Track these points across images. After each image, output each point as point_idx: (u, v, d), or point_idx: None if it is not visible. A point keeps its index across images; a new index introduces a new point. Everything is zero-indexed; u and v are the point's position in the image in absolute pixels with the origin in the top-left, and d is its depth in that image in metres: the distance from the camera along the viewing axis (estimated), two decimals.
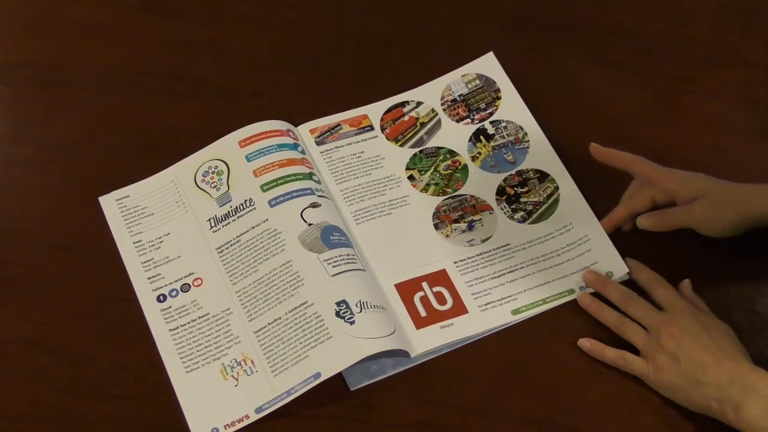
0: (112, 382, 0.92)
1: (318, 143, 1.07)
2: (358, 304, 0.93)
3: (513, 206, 1.04)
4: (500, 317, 0.96)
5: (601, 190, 1.04)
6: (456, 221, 1.03)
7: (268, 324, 0.94)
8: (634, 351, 0.92)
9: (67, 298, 0.97)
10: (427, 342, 0.94)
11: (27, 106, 1.12)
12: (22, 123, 1.11)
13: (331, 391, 0.91)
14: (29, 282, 0.98)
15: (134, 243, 1.01)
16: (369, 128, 1.09)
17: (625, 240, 1.01)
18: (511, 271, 0.99)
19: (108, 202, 1.03)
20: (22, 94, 1.13)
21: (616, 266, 0.99)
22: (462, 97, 1.11)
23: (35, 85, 1.14)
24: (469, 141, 1.09)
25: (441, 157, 1.08)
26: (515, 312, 0.97)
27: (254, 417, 0.90)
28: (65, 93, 1.12)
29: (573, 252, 1.00)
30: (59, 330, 0.95)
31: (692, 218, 0.96)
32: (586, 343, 0.94)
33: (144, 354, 0.93)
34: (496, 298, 0.97)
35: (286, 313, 0.94)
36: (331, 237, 0.98)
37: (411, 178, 1.06)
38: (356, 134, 1.08)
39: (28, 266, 0.99)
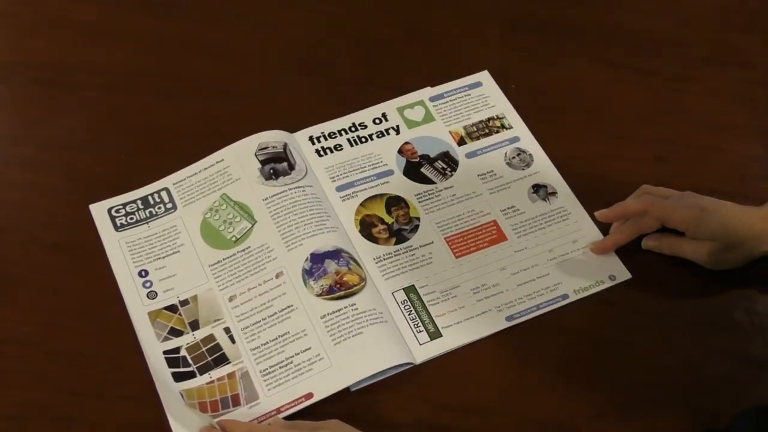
0: (112, 382, 0.92)
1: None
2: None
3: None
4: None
5: (598, 190, 1.05)
6: None
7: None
8: None
9: (67, 298, 0.97)
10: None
11: (27, 106, 1.12)
12: (23, 123, 1.11)
13: None
14: (29, 282, 0.98)
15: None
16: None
17: (625, 245, 1.00)
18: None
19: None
20: (22, 94, 1.13)
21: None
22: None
23: (35, 85, 1.14)
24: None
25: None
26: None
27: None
28: (65, 93, 1.12)
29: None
30: (59, 330, 0.95)
31: (700, 257, 0.96)
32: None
33: (143, 354, 0.93)
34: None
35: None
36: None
37: None
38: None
39: (28, 266, 0.99)
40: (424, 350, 0.94)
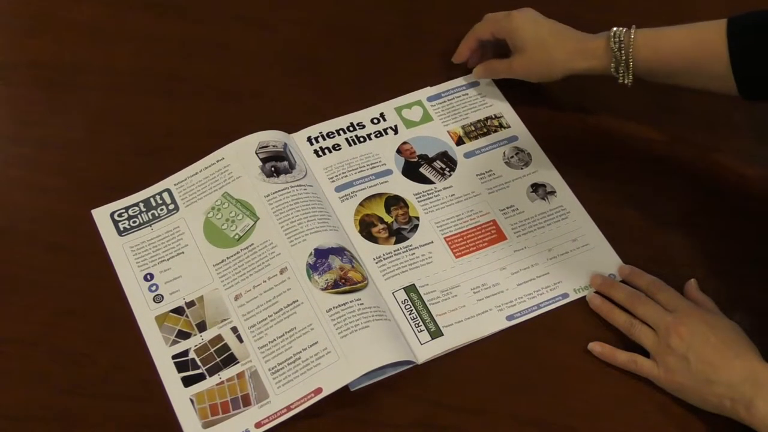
0: (112, 382, 0.92)
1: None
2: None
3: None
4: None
5: (597, 189, 1.05)
6: None
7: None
8: (643, 353, 0.92)
9: (67, 298, 0.97)
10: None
11: (27, 105, 1.12)
12: (22, 123, 1.11)
13: None
14: (29, 282, 0.98)
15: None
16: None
17: (625, 243, 1.01)
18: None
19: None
20: (22, 94, 1.13)
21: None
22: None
23: (35, 85, 1.14)
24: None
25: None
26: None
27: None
28: (65, 93, 1.12)
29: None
30: (59, 330, 0.95)
31: (512, 72, 1.09)
32: (596, 347, 0.94)
33: (143, 354, 0.93)
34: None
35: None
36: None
37: None
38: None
39: (27, 266, 0.99)
40: (425, 350, 0.94)
